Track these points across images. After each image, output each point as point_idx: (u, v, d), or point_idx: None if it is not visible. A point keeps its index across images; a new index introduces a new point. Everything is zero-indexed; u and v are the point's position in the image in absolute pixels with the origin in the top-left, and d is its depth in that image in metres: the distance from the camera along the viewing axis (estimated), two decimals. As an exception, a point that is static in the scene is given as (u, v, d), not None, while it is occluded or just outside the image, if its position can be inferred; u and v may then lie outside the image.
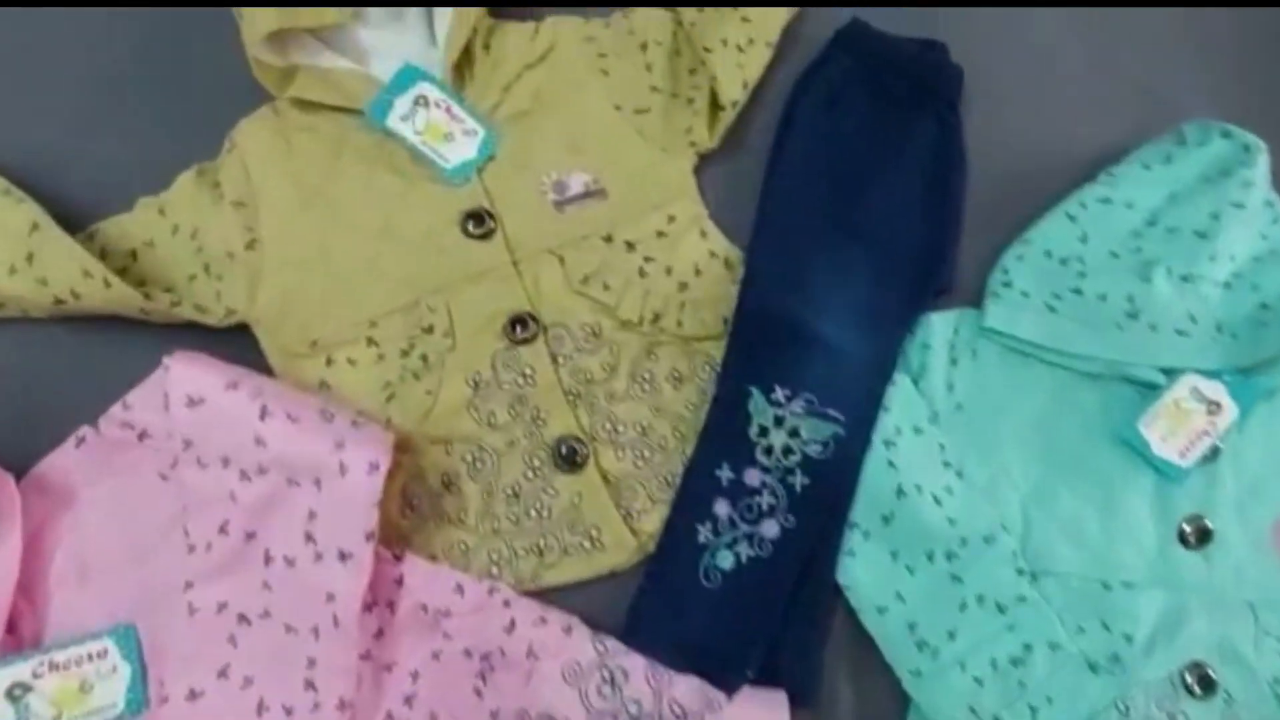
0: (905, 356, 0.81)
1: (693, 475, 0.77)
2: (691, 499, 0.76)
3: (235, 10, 0.78)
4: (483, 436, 0.76)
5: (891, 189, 0.85)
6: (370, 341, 0.77)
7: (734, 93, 0.83)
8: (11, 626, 0.66)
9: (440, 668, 0.69)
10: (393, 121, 0.80)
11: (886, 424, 0.78)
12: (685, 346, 0.80)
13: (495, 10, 0.84)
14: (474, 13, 0.82)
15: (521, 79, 0.85)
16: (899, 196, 0.85)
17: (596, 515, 0.75)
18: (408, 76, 0.81)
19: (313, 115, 0.81)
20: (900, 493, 0.76)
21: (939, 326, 0.83)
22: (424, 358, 0.77)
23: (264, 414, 0.66)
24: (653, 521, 0.76)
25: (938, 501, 0.76)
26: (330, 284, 0.78)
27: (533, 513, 0.75)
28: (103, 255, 0.77)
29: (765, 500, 0.76)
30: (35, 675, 0.65)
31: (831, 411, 0.77)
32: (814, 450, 0.76)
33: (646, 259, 0.82)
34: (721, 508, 0.76)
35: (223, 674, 0.66)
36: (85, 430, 0.71)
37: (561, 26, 0.87)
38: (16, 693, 0.65)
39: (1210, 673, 0.72)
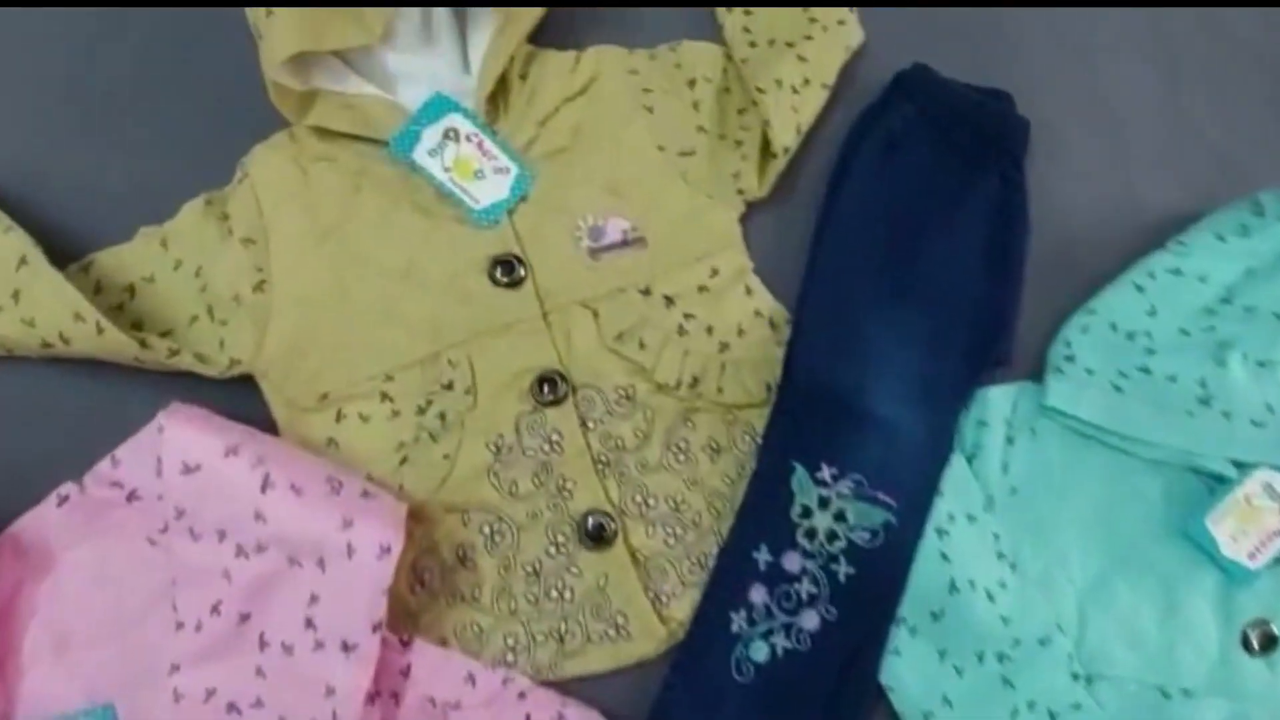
0: (959, 434, 0.74)
1: (728, 557, 0.69)
2: (725, 583, 0.69)
3: (252, 24, 0.69)
4: (503, 507, 0.68)
5: (950, 249, 0.77)
6: (385, 396, 0.69)
7: (787, 138, 0.75)
8: (-21, 704, 0.58)
9: (448, 765, 0.61)
10: (419, 155, 0.72)
11: (939, 511, 0.71)
12: (724, 414, 0.72)
13: (535, 36, 0.76)
14: (513, 39, 0.74)
15: (560, 113, 0.77)
16: (958, 257, 0.77)
17: (623, 599, 0.67)
18: (437, 107, 0.73)
19: (332, 144, 0.73)
20: (952, 588, 0.69)
21: (997, 402, 0.75)
22: (442, 416, 0.69)
23: (266, 485, 0.58)
24: (683, 607, 0.68)
25: (990, 598, 0.69)
26: (344, 331, 0.70)
27: (554, 593, 0.67)
28: (97, 289, 0.69)
29: (805, 588, 0.68)
30: (4, 759, 0.57)
31: (882, 496, 0.69)
32: (861, 538, 0.69)
33: (686, 315, 0.74)
34: (757, 594, 0.68)
35: (208, 767, 0.58)
36: (69, 488, 0.63)
37: (605, 57, 0.79)
38: (-17, 778, 0.57)
39: (1271, 788, 0.65)
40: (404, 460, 0.68)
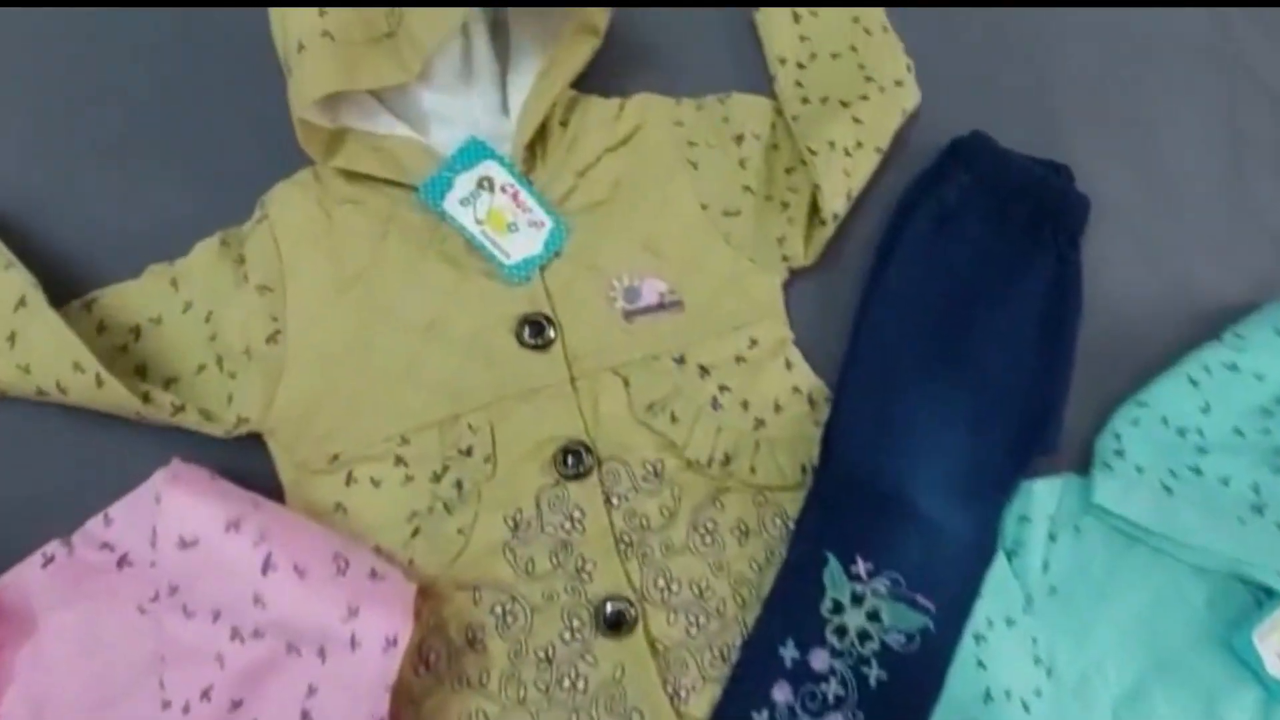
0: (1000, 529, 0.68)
1: (752, 650, 0.64)
2: (748, 679, 0.63)
3: (282, 57, 0.63)
4: (517, 586, 0.63)
5: (1001, 331, 0.72)
6: (399, 460, 0.64)
7: (837, 205, 0.70)
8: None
9: None
10: (450, 204, 0.66)
11: (978, 614, 0.66)
12: (755, 495, 0.67)
13: (578, 79, 0.70)
14: (558, 83, 0.68)
15: (600, 163, 0.71)
16: (1008, 339, 0.72)
17: (640, 693, 0.61)
18: (472, 153, 0.67)
19: (360, 186, 0.67)
20: (987, 697, 0.64)
21: (1041, 498, 0.70)
22: (458, 485, 0.63)
23: (267, 566, 0.53)
24: (702, 704, 0.62)
25: (1026, 708, 0.64)
26: (360, 388, 0.64)
27: (566, 683, 0.62)
28: (100, 329, 0.63)
29: (833, 690, 0.63)
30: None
31: (921, 599, 0.64)
32: (896, 641, 0.63)
33: (721, 388, 0.68)
34: (781, 693, 0.63)
35: None
36: (55, 547, 0.58)
37: (650, 106, 0.73)
38: None
39: None
40: (416, 532, 0.62)
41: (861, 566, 0.64)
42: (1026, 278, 0.73)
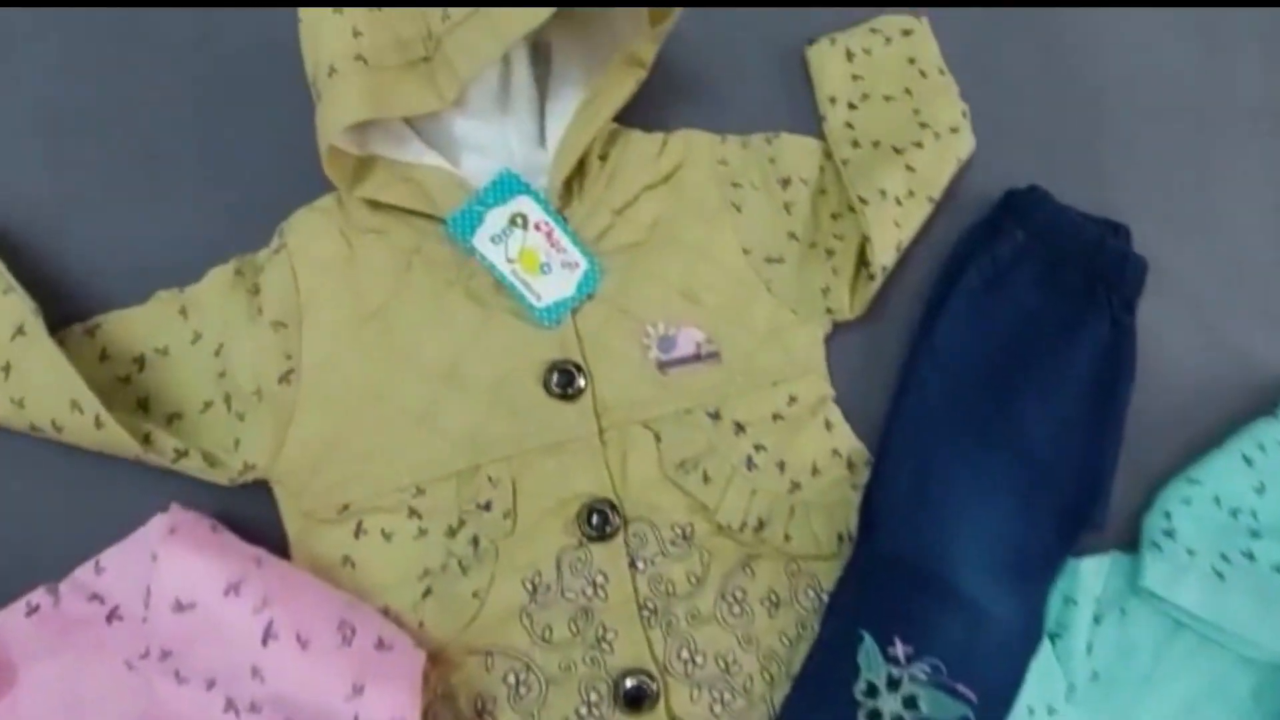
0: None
1: (779, 733, 0.59)
2: (775, 765, 0.58)
3: (311, 80, 0.58)
4: (533, 654, 0.58)
5: (1050, 399, 0.67)
6: (413, 512, 0.59)
7: (887, 258, 0.65)
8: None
9: None
10: (481, 241, 0.61)
11: (1018, 702, 0.60)
12: (788, 563, 0.61)
13: (620, 112, 0.65)
14: (600, 116, 0.63)
15: (639, 201, 0.66)
16: (1057, 408, 0.67)
17: (659, 777, 0.56)
18: (506, 187, 0.62)
19: (385, 216, 0.62)
20: (1025, 791, 0.58)
21: (1088, 578, 0.65)
22: (474, 541, 0.58)
23: (268, 636, 0.47)
24: (724, 789, 0.57)
25: (1063, 805, 0.58)
26: (375, 434, 0.59)
27: (580, 761, 0.56)
28: (103, 357, 0.58)
29: (864, 779, 0.58)
30: None
31: (962, 689, 0.59)
32: (933, 731, 0.58)
33: (757, 447, 0.63)
34: (809, 781, 0.58)
35: None
36: (41, 596, 0.52)
37: (694, 143, 0.68)
38: None
39: None
40: (428, 592, 0.57)
41: (900, 649, 0.59)
42: (1078, 342, 0.68)
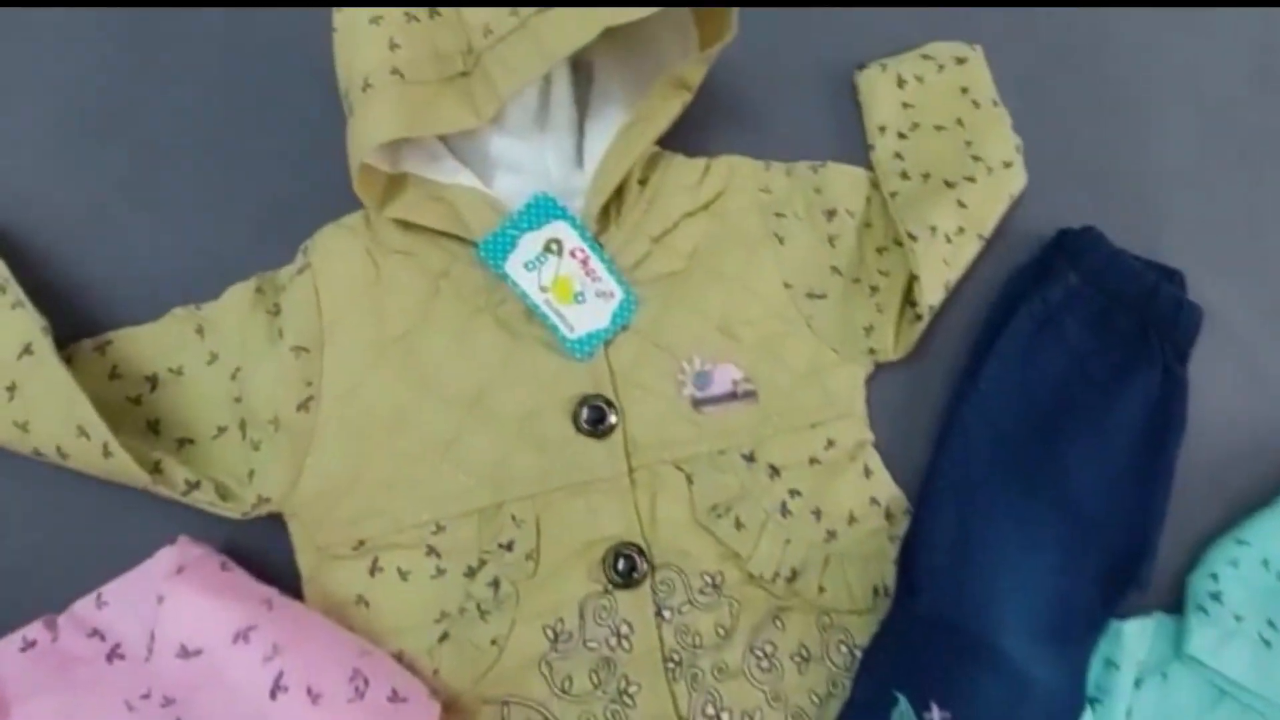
0: (1085, 674, 0.59)
1: (806, 798, 0.55)
2: (800, 831, 0.55)
3: (343, 94, 0.55)
4: (550, 705, 0.54)
5: (1098, 449, 0.64)
6: (431, 550, 0.55)
7: (935, 297, 0.61)
8: None
9: None
10: (513, 267, 0.58)
11: (1057, 772, 0.57)
12: (820, 616, 0.58)
13: (664, 135, 0.62)
14: (643, 140, 0.59)
15: (678, 229, 0.62)
16: (1105, 461, 0.64)
17: (678, 840, 0.53)
18: (541, 210, 0.59)
19: (414, 236, 0.59)
20: None
21: (1131, 642, 0.62)
22: (495, 584, 0.55)
23: (277, 688, 0.44)
24: None
25: None
26: (395, 466, 0.56)
27: (597, 821, 0.53)
28: (113, 375, 0.55)
29: None
30: None
31: (1000, 757, 0.55)
32: (968, 802, 0.55)
33: (792, 492, 0.59)
34: None
35: None
36: (38, 631, 0.49)
37: (737, 169, 0.64)
38: None
39: None
40: (444, 638, 0.54)
41: (936, 714, 0.56)
42: (1129, 391, 0.64)
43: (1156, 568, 0.63)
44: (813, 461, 0.60)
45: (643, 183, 0.62)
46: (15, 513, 0.55)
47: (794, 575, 0.58)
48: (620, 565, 0.56)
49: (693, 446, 0.58)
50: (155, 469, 0.51)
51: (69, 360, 0.54)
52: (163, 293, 0.57)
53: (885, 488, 0.61)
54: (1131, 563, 0.62)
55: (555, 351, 0.58)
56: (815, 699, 0.57)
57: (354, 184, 0.54)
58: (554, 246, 0.58)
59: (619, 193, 0.61)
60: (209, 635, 0.46)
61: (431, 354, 0.57)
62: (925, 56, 0.69)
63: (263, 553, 0.54)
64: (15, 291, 0.50)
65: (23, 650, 0.48)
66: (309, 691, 0.45)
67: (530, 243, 0.58)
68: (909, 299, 0.63)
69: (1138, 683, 0.61)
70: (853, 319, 0.62)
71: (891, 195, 0.64)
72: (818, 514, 0.59)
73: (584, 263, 0.58)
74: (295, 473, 0.54)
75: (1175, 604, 0.63)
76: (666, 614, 0.56)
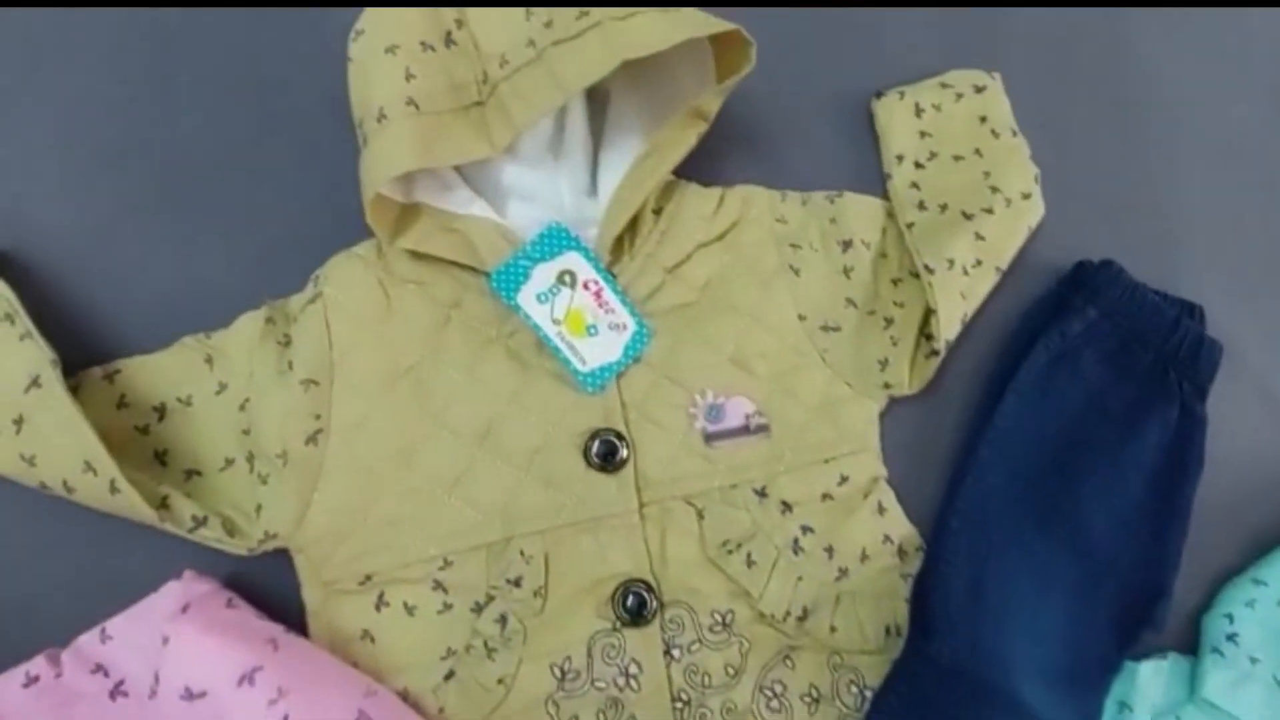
0: (1098, 714, 0.59)
1: (814, 842, 0.54)
2: None
3: (358, 123, 0.54)
4: (556, 745, 0.53)
5: (1114, 488, 0.63)
6: (438, 585, 0.55)
7: (952, 331, 0.60)
8: None
9: None
10: (526, 299, 0.57)
11: (1070, 818, 0.56)
12: (830, 655, 0.57)
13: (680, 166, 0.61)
14: (658, 171, 0.59)
15: (692, 259, 0.61)
16: (1121, 499, 0.63)
17: None
18: (554, 241, 0.58)
19: (427, 267, 0.58)
20: None
21: (1145, 682, 0.61)
22: (502, 620, 0.54)
23: (281, 732, 0.43)
24: None
25: None
26: (403, 499, 0.55)
27: None
28: (121, 404, 0.54)
29: None
30: None
31: (1011, 805, 0.54)
32: None
33: (804, 529, 0.59)
34: None
35: None
36: (41, 666, 0.48)
37: (752, 200, 0.64)
38: None
39: None
40: (450, 675, 0.53)
41: (947, 758, 0.55)
42: (1146, 429, 0.63)
43: (1171, 607, 0.62)
44: (825, 497, 0.59)
45: (657, 212, 0.61)
46: (20, 543, 0.54)
47: (805, 614, 0.57)
48: (630, 602, 0.55)
49: (704, 481, 0.58)
50: (162, 504, 0.50)
51: (77, 388, 0.53)
52: (173, 320, 0.56)
53: (899, 525, 0.60)
54: (1147, 604, 0.61)
55: (566, 384, 0.57)
56: (825, 740, 0.56)
57: (367, 215, 0.53)
58: (567, 278, 0.57)
59: (633, 222, 0.60)
60: (214, 677, 0.45)
61: (441, 386, 0.56)
62: (943, 84, 0.68)
63: (268, 586, 0.54)
64: (24, 322, 0.49)
65: (25, 686, 0.48)
66: (314, 735, 0.44)
67: (543, 274, 0.57)
68: (924, 332, 0.62)
69: (1150, 724, 0.60)
70: (867, 352, 0.62)
71: (908, 226, 0.63)
72: (830, 551, 0.58)
73: (597, 295, 0.58)
74: (302, 508, 0.53)
75: (1190, 643, 0.62)
76: (676, 653, 0.56)
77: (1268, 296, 0.70)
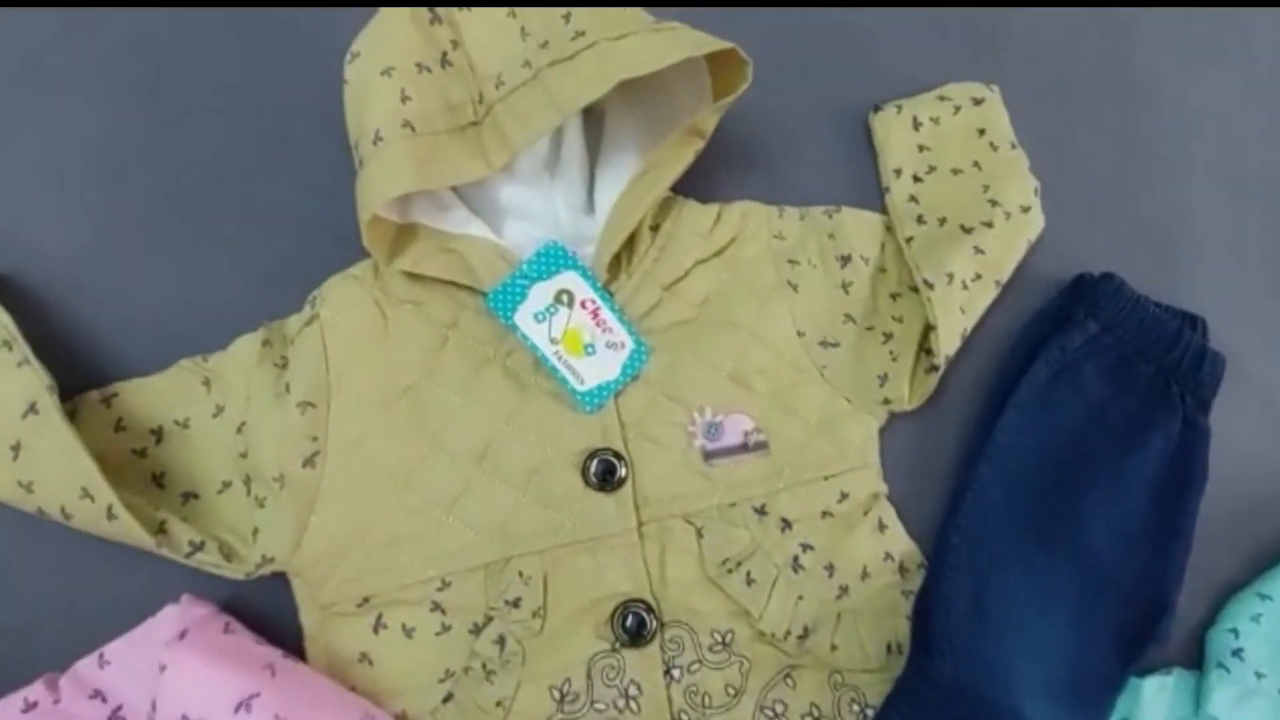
0: (1102, 730, 0.58)
1: None
2: None
3: (353, 144, 0.54)
4: (555, 768, 0.53)
5: (1116, 502, 0.62)
6: (437, 607, 0.55)
7: (951, 346, 0.60)
8: None
9: None
10: (523, 319, 0.57)
11: (1073, 835, 0.56)
12: (831, 674, 0.57)
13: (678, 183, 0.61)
14: (655, 189, 0.58)
15: (690, 276, 0.61)
16: (1124, 514, 0.62)
17: None
18: (551, 260, 0.58)
19: (422, 286, 0.58)
20: None
21: (1150, 698, 0.61)
22: (500, 642, 0.54)
23: (279, 759, 0.43)
24: None
25: None
26: (401, 521, 0.55)
27: None
28: (118, 428, 0.54)
29: None
30: None
31: (1015, 824, 0.54)
32: None
33: (804, 547, 0.58)
34: None
35: None
36: (39, 691, 0.49)
37: (751, 215, 0.64)
38: None
39: None
40: (449, 698, 0.53)
41: (950, 778, 0.55)
42: (1148, 443, 0.63)
43: (1175, 622, 0.61)
44: (825, 515, 0.59)
45: (654, 229, 0.61)
46: (18, 567, 0.54)
47: (806, 633, 0.57)
48: (629, 622, 0.55)
49: (703, 500, 0.58)
50: (159, 529, 0.50)
51: (74, 412, 0.53)
52: (170, 342, 0.56)
53: (899, 542, 0.60)
54: (1150, 619, 0.61)
55: (564, 403, 0.57)
56: (826, 761, 0.56)
57: (364, 238, 0.53)
58: (564, 298, 0.57)
59: (630, 240, 0.60)
60: (211, 705, 0.45)
61: (439, 407, 0.56)
62: (941, 98, 0.68)
63: (266, 608, 0.54)
64: (22, 349, 0.50)
65: (24, 711, 0.48)
66: (311, 762, 0.44)
67: (540, 294, 0.57)
68: (924, 347, 0.62)
69: (1154, 741, 0.60)
70: (866, 368, 0.61)
71: (907, 240, 0.63)
72: (830, 569, 0.58)
73: (594, 314, 0.58)
74: (300, 531, 0.53)
75: (1194, 659, 0.62)
76: (676, 673, 0.55)
77: (1271, 307, 0.70)
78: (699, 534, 0.57)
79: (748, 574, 0.57)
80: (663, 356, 0.59)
